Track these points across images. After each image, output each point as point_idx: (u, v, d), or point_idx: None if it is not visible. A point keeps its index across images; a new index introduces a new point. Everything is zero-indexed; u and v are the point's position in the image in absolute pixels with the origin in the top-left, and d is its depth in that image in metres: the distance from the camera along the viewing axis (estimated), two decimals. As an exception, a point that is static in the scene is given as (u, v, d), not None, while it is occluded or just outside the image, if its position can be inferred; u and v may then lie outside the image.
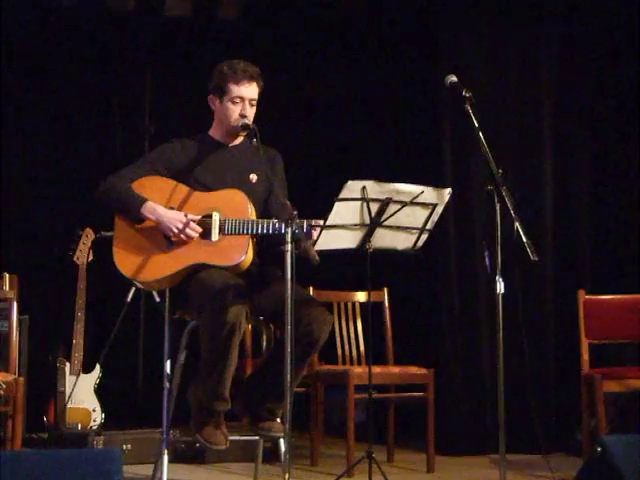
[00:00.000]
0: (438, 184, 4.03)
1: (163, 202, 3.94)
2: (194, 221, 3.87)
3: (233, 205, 3.92)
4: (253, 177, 4.09)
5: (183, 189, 3.98)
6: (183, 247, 3.89)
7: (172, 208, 3.93)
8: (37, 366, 5.09)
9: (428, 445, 4.89)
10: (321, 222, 3.77)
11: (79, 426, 5.05)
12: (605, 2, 5.64)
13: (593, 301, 5.03)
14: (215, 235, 3.89)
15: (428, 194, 3.90)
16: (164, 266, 3.88)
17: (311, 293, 4.88)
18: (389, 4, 5.91)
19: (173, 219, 3.87)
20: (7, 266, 4.70)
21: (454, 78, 3.99)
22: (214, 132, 4.15)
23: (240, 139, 4.14)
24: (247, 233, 3.85)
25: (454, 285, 5.53)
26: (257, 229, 3.84)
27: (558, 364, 5.50)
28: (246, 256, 3.86)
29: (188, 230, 3.86)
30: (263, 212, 4.03)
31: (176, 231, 3.85)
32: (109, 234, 4.03)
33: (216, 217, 3.90)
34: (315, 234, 3.78)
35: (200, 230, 3.88)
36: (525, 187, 5.52)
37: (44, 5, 5.89)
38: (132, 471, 4.55)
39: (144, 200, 3.90)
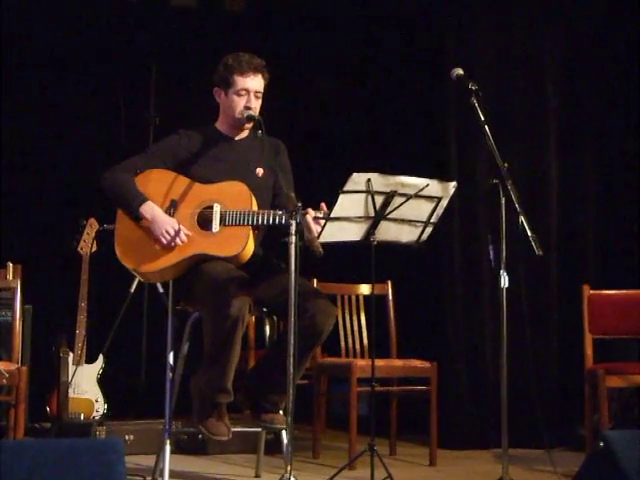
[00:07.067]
0: (443, 177, 4.02)
1: (165, 194, 3.93)
2: (186, 234, 3.86)
3: (234, 197, 3.92)
4: (259, 171, 4.08)
5: (185, 181, 3.97)
6: None
7: (174, 200, 3.93)
8: (40, 356, 5.09)
9: (430, 438, 4.89)
10: (322, 214, 3.77)
11: (82, 416, 5.04)
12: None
13: (597, 296, 5.01)
14: (216, 226, 3.88)
15: (433, 187, 3.89)
16: (165, 257, 3.88)
17: (315, 285, 4.86)
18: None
19: (167, 222, 3.86)
20: (11, 255, 4.69)
21: (460, 71, 3.99)
22: (220, 125, 4.13)
23: (246, 132, 4.12)
24: (248, 224, 3.85)
25: (458, 279, 5.52)
26: (258, 220, 3.84)
27: (561, 359, 5.49)
28: (246, 247, 3.86)
29: (177, 238, 3.84)
30: (269, 205, 4.02)
31: (168, 236, 3.83)
32: (112, 227, 4.03)
33: (217, 208, 3.89)
34: (319, 227, 3.77)
35: (185, 240, 3.86)
36: (530, 181, 5.51)
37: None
38: (134, 461, 4.55)
39: (144, 200, 3.89)
